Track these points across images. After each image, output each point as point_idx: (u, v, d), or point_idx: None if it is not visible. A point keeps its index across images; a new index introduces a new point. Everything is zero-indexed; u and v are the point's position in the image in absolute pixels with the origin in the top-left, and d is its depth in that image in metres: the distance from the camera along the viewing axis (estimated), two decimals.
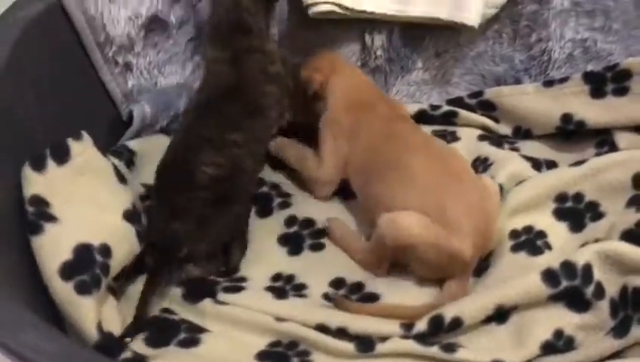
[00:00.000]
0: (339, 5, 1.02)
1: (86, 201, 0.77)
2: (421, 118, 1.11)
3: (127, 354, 0.69)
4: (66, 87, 0.89)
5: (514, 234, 0.88)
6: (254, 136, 0.91)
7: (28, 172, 0.74)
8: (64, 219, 0.74)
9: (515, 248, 0.87)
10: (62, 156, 0.77)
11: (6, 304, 0.60)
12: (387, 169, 0.88)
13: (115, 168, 0.85)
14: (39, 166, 0.74)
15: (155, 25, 1.01)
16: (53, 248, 0.71)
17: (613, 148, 0.98)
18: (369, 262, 0.86)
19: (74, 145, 0.78)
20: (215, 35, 0.96)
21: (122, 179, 0.85)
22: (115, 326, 0.73)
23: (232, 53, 0.93)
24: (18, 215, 0.73)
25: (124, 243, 0.79)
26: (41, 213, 0.73)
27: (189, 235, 0.82)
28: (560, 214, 0.91)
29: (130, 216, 0.82)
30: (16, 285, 0.66)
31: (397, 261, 0.85)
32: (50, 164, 0.75)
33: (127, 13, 0.96)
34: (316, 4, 1.02)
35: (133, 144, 0.99)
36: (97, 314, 0.70)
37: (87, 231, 0.75)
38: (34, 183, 0.74)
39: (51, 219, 0.73)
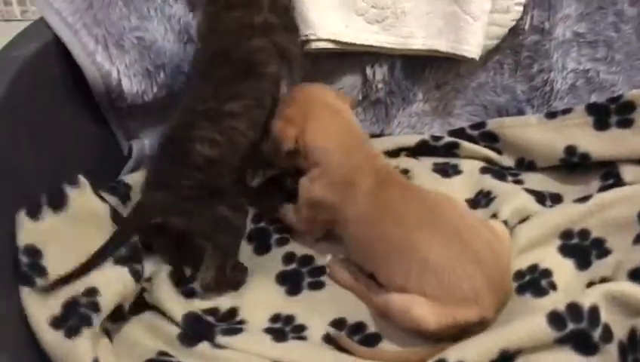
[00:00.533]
0: (337, 42, 1.02)
1: (79, 249, 0.76)
2: (422, 149, 1.10)
3: None
4: (62, 126, 0.88)
5: (519, 274, 0.86)
6: (254, 102, 0.87)
7: (23, 220, 0.73)
8: (55, 273, 0.73)
9: (520, 289, 0.84)
10: (58, 203, 0.77)
11: None
12: (392, 253, 0.81)
13: (111, 209, 0.84)
14: (35, 214, 0.74)
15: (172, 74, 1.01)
16: (43, 302, 0.71)
17: (619, 180, 0.96)
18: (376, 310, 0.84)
19: (71, 192, 0.78)
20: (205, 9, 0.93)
21: (117, 219, 0.84)
22: None
23: (212, 18, 0.90)
24: (10, 264, 0.72)
25: (114, 284, 0.77)
26: (33, 265, 0.73)
27: (168, 207, 0.82)
28: (565, 251, 0.89)
29: (123, 257, 0.80)
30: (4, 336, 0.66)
31: None
32: (47, 211, 0.75)
33: (145, 64, 0.97)
34: (314, 40, 1.01)
35: (129, 178, 0.99)
36: (92, 351, 0.69)
37: (77, 282, 0.74)
38: (29, 232, 0.73)
39: (43, 272, 0.73)
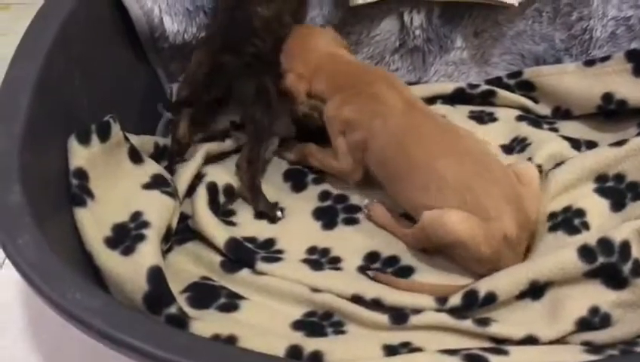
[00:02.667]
0: None
1: (117, 176, 0.82)
2: (459, 96, 1.11)
3: (171, 310, 0.71)
4: (111, 65, 0.92)
5: (552, 215, 0.87)
6: None
7: (74, 145, 0.77)
8: (101, 197, 0.78)
9: (553, 228, 0.86)
10: (105, 134, 0.81)
11: (56, 267, 0.63)
12: (413, 170, 0.85)
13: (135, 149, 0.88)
14: (85, 140, 0.78)
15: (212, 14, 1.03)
16: (94, 223, 0.75)
17: None
18: (414, 246, 0.87)
19: (114, 125, 0.82)
20: None
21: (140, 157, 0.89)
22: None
23: None
24: (65, 186, 0.76)
25: (155, 204, 0.82)
26: (82, 187, 0.77)
27: (236, 70, 0.91)
28: (601, 193, 0.90)
29: (156, 181, 0.86)
30: (64, 251, 0.70)
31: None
32: (95, 139, 0.79)
33: (186, 4, 1.00)
34: None
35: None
36: (148, 261, 0.72)
37: (122, 207, 0.79)
38: (79, 156, 0.77)
39: (91, 194, 0.77)
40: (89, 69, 0.87)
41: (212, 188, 0.91)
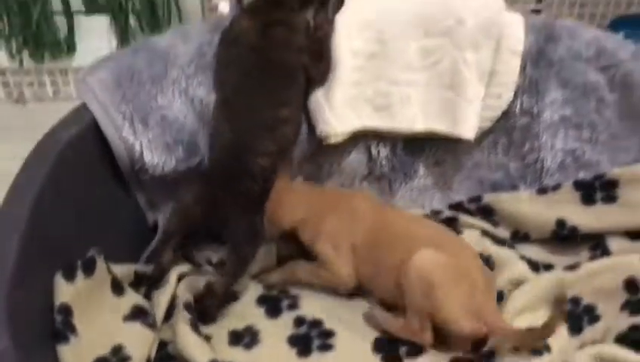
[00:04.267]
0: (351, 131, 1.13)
1: (101, 309, 0.86)
2: None
3: None
4: (99, 200, 0.98)
5: None
6: (297, 109, 1.05)
7: (60, 282, 0.81)
8: (84, 332, 0.81)
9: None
10: (90, 269, 0.85)
11: None
12: (394, 241, 0.98)
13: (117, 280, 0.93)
14: (70, 276, 0.82)
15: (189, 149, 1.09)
16: (77, 360, 0.78)
17: (606, 251, 1.04)
18: (413, 329, 0.93)
19: (98, 259, 0.86)
20: (249, 8, 1.08)
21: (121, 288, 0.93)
22: None
23: (261, 24, 1.04)
24: (51, 322, 0.79)
25: (135, 337, 0.86)
26: (66, 323, 0.80)
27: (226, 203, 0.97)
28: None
29: (136, 313, 0.90)
30: None
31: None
32: (80, 275, 0.83)
33: (166, 139, 1.06)
34: (333, 135, 1.11)
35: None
36: None
37: (104, 341, 0.83)
38: (64, 292, 0.81)
39: (74, 330, 0.80)
40: (77, 203, 0.92)
41: (189, 307, 0.94)
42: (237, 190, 0.97)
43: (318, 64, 1.08)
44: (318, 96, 1.11)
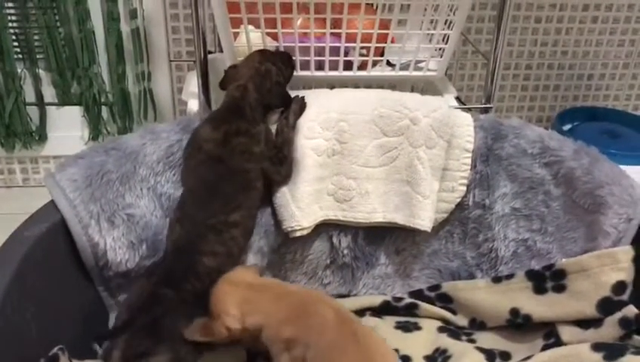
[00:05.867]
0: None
1: None
2: (385, 308, 1.21)
3: None
4: (62, 295, 0.99)
5: None
6: (248, 212, 1.06)
7: None
8: None
9: None
10: None
11: None
12: None
13: None
14: None
15: (154, 246, 1.12)
16: None
17: (559, 340, 1.07)
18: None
19: (62, 358, 0.87)
20: (213, 117, 1.13)
21: None
22: None
23: (223, 134, 1.08)
24: None
25: None
26: None
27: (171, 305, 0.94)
28: None
29: None
30: None
31: None
32: None
33: (130, 238, 1.09)
34: (299, 229, 1.16)
35: None
36: None
37: None
38: None
39: None
40: (40, 300, 0.94)
41: None
42: (180, 288, 0.97)
43: (279, 168, 1.13)
44: (284, 192, 1.16)
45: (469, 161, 1.21)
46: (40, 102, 1.77)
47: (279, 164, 1.13)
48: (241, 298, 1.02)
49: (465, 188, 1.22)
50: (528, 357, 1.02)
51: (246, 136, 1.10)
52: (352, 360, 0.94)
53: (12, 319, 0.86)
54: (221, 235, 1.02)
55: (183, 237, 1.02)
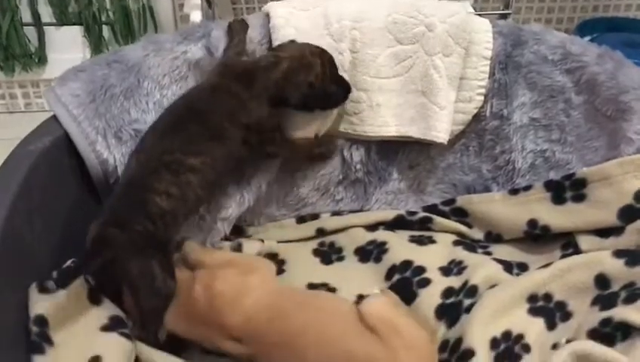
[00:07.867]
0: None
1: (77, 319, 0.85)
2: (399, 223, 1.20)
3: None
4: (71, 210, 0.97)
5: (494, 342, 0.93)
6: (211, 162, 0.96)
7: (35, 293, 0.81)
8: (61, 343, 0.81)
9: (497, 359, 0.92)
10: (65, 280, 0.84)
11: None
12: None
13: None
14: (45, 288, 0.82)
15: None
16: None
17: (577, 250, 1.06)
18: None
19: (75, 270, 0.86)
20: (221, 67, 1.05)
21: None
22: None
23: (219, 84, 1.01)
24: (23, 333, 0.79)
25: (113, 347, 0.85)
26: (42, 334, 0.79)
27: (120, 245, 0.87)
28: (534, 312, 0.97)
29: (114, 323, 0.88)
30: None
31: None
32: (54, 287, 0.83)
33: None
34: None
35: None
36: None
37: (81, 352, 0.82)
38: (40, 304, 0.81)
39: (50, 342, 0.80)
40: (49, 215, 0.92)
41: None
42: (128, 225, 0.89)
43: (271, 147, 1.07)
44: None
45: (487, 69, 1.15)
46: (37, 22, 1.71)
47: (269, 144, 1.06)
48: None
49: (482, 98, 1.17)
50: (548, 265, 1.01)
51: (238, 101, 1.00)
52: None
53: (21, 230, 0.84)
54: (177, 177, 0.93)
55: (137, 172, 0.94)
